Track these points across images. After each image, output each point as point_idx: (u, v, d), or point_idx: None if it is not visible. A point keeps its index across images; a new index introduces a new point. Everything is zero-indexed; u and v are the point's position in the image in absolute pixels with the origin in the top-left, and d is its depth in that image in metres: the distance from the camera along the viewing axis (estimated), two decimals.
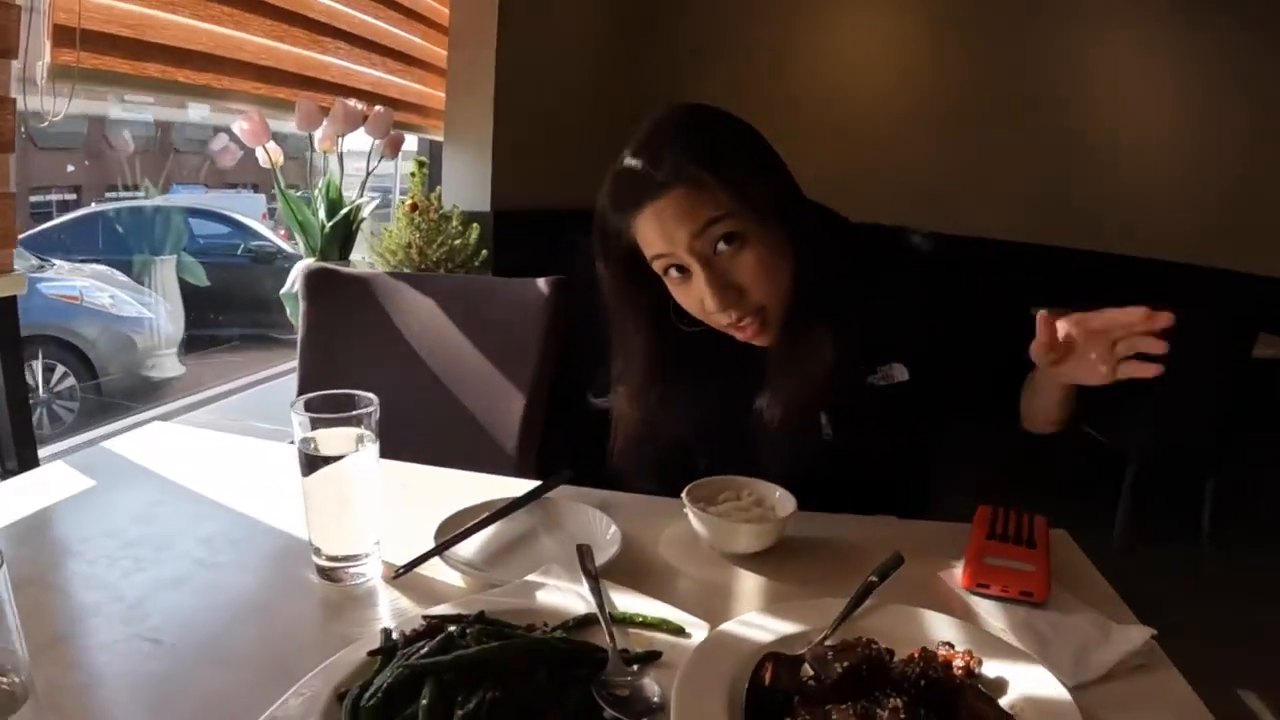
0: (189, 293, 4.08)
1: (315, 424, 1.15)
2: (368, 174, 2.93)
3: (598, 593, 1.05)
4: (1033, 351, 1.31)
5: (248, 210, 6.23)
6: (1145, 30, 5.66)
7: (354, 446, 1.16)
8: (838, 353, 1.42)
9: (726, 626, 1.02)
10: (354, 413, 1.17)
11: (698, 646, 0.97)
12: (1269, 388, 4.28)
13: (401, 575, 1.17)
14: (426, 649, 0.90)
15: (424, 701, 0.83)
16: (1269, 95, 5.43)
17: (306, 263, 2.22)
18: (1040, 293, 5.53)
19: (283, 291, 2.62)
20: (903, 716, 0.82)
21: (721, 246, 1.34)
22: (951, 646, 1.00)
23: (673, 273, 1.39)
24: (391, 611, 1.11)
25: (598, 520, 1.33)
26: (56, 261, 4.71)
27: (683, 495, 1.32)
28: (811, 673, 0.91)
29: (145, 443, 1.64)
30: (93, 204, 5.21)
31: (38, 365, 4.24)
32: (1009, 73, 5.78)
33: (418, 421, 1.98)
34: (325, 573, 1.18)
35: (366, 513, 1.19)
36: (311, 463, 1.15)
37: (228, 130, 2.99)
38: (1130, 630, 1.09)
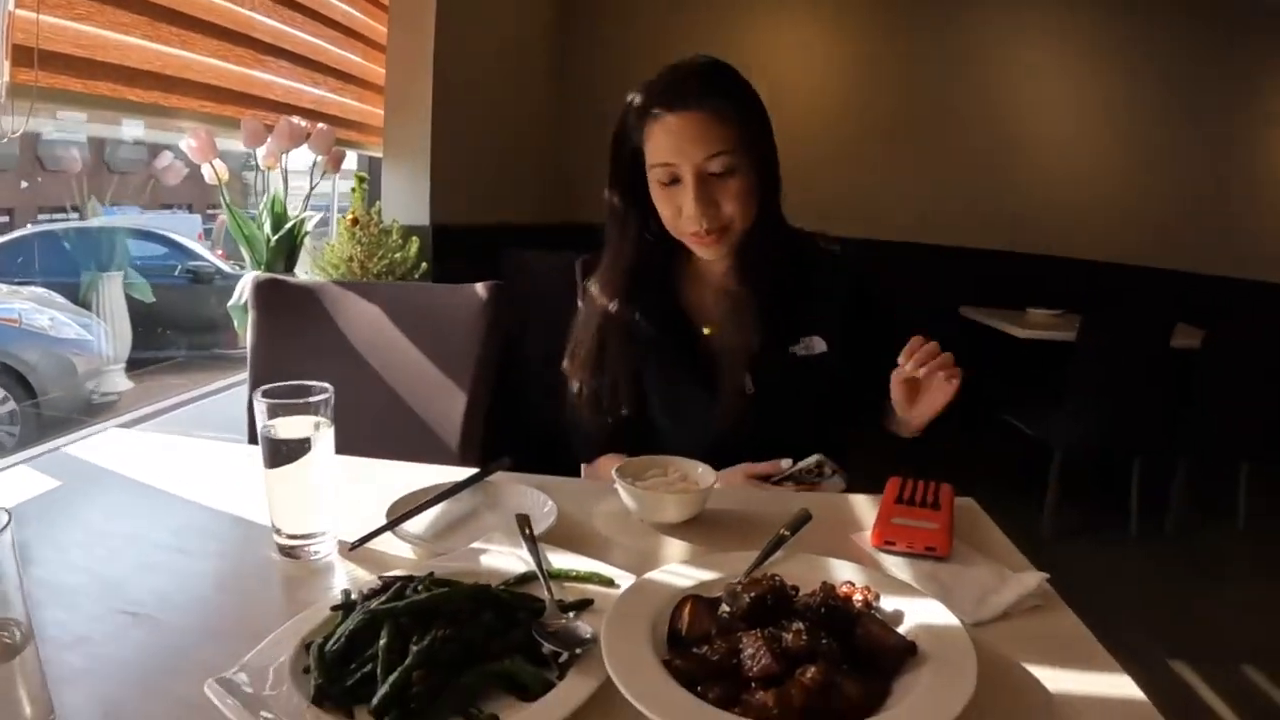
0: (133, 311, 4.07)
1: (275, 411, 1.26)
2: (310, 189, 3.01)
3: (535, 553, 1.16)
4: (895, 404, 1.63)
5: (184, 230, 6.16)
6: (1069, 42, 5.87)
7: (311, 431, 1.26)
8: (771, 298, 1.72)
9: (650, 575, 1.14)
10: (310, 399, 1.27)
11: (624, 591, 1.09)
12: (1189, 375, 4.47)
13: (356, 549, 1.28)
14: (384, 599, 1.01)
15: (383, 641, 0.94)
16: (1186, 100, 5.66)
17: (255, 274, 2.30)
18: (968, 291, 5.76)
19: (230, 304, 2.68)
20: (804, 638, 0.92)
21: (715, 169, 1.60)
22: (853, 584, 1.12)
23: (664, 180, 1.64)
24: (349, 581, 1.21)
25: (535, 497, 1.44)
26: None
27: (613, 473, 1.43)
28: (727, 610, 1.02)
29: (105, 448, 1.71)
30: (28, 225, 5.13)
31: None
32: (936, 82, 5.97)
33: (365, 422, 2.06)
34: (286, 550, 1.27)
35: (323, 493, 1.29)
36: (272, 447, 1.26)
37: (172, 148, 3.04)
38: (1025, 575, 1.22)
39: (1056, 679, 1.02)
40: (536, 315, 3.96)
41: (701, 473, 1.49)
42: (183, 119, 2.64)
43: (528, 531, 1.21)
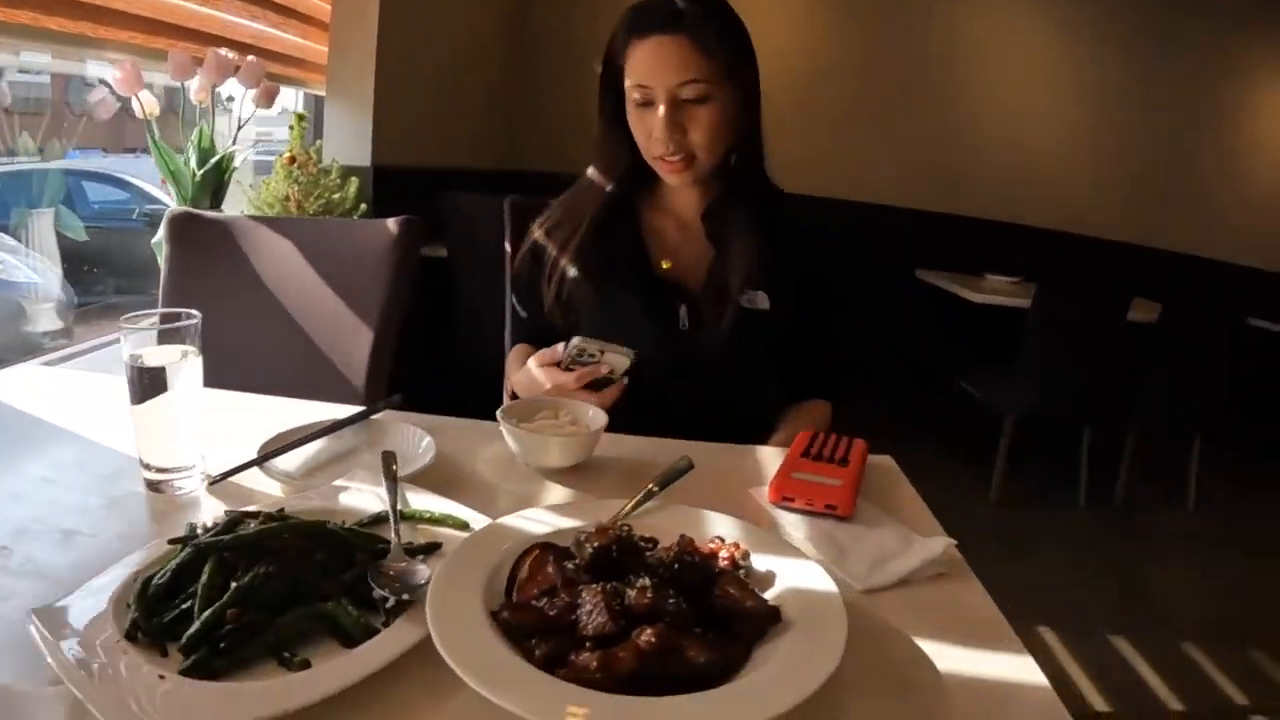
0: (70, 251, 3.96)
1: (140, 339, 1.20)
2: (239, 124, 2.93)
3: (393, 491, 1.10)
4: None
5: (146, 175, 6.05)
6: (1041, 11, 5.86)
7: (177, 359, 1.21)
8: (730, 244, 1.72)
9: (504, 519, 1.07)
10: (176, 325, 1.21)
11: (469, 534, 1.03)
12: (1143, 349, 4.48)
13: (217, 483, 1.22)
14: (214, 532, 0.96)
15: (203, 578, 0.89)
16: (1154, 77, 5.65)
17: (173, 208, 2.23)
18: (926, 255, 5.74)
19: (154, 240, 2.61)
20: (649, 595, 0.86)
21: (688, 95, 1.59)
22: (722, 540, 1.05)
23: (639, 101, 1.62)
24: (211, 516, 1.16)
25: (415, 436, 1.39)
26: None
27: (498, 414, 1.38)
28: (573, 560, 0.96)
29: (5, 383, 1.64)
30: None
31: None
32: (903, 44, 5.93)
33: (272, 360, 2.02)
34: (153, 485, 1.22)
35: (189, 426, 1.24)
36: (138, 376, 1.20)
37: (106, 82, 2.96)
38: (931, 540, 1.15)
39: (949, 656, 0.95)
40: (471, 258, 3.95)
41: (592, 415, 1.44)
42: (111, 50, 2.56)
43: (393, 469, 1.16)
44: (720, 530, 1.09)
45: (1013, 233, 5.85)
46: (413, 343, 2.33)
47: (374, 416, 1.46)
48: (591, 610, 0.85)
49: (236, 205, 3.01)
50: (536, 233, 1.82)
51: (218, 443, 1.31)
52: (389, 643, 0.85)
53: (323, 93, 3.86)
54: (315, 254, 2.06)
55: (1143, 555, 4.18)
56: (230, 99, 3.04)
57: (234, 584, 0.88)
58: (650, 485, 1.19)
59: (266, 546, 0.93)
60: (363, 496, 1.14)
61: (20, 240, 3.81)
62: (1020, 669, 0.95)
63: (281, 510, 1.05)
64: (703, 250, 1.76)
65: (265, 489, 1.24)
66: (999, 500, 4.47)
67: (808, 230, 1.83)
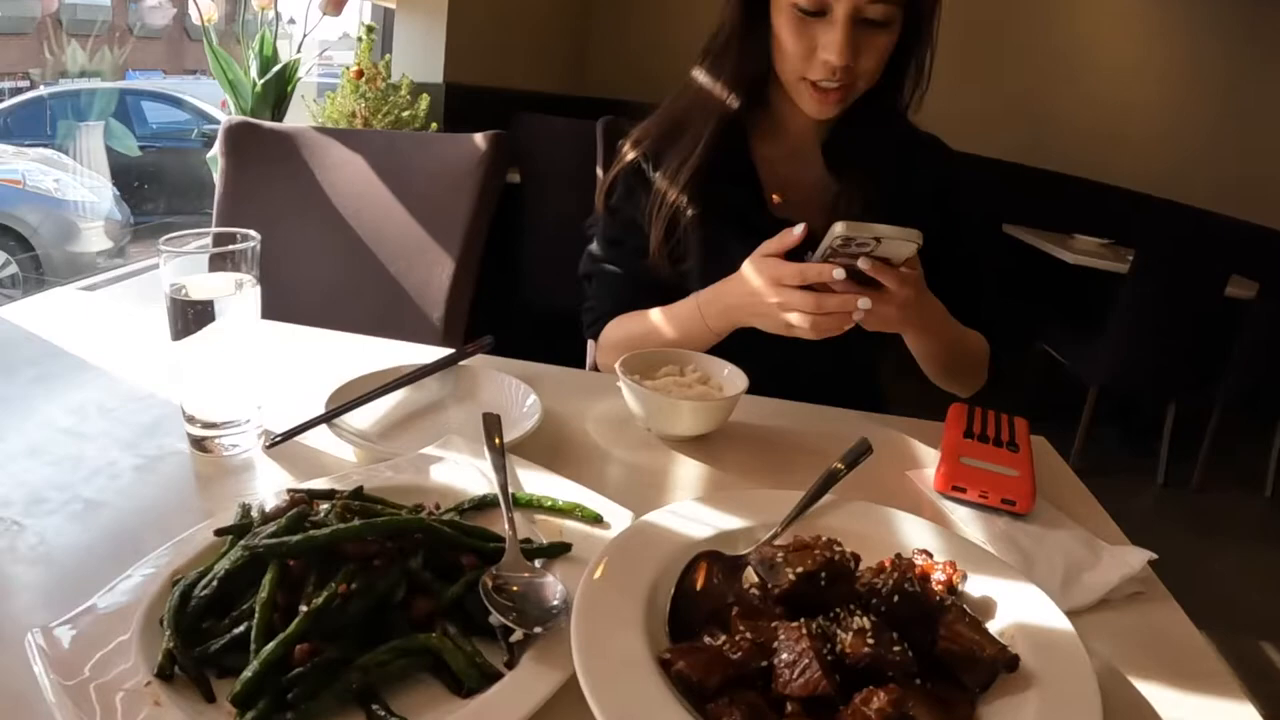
0: (124, 169, 3.79)
1: (185, 265, 0.95)
2: (305, 33, 2.69)
3: (502, 469, 0.86)
4: None
5: (205, 96, 5.91)
6: None
7: (230, 290, 0.96)
8: (854, 176, 1.42)
9: (653, 516, 0.83)
10: (230, 249, 0.96)
11: (614, 539, 0.78)
12: (1237, 326, 4.14)
13: (279, 444, 0.98)
14: (274, 528, 0.71)
15: (262, 594, 0.65)
16: (1266, 38, 5.27)
17: (229, 118, 1.98)
18: (1013, 210, 5.40)
19: (209, 154, 2.39)
20: (870, 641, 0.65)
21: (873, 15, 1.28)
22: (930, 556, 0.82)
23: (806, 8, 1.29)
24: (269, 486, 0.93)
25: (515, 390, 1.14)
26: None
27: (617, 367, 1.13)
28: (756, 579, 0.74)
29: (37, 310, 1.41)
30: (41, 88, 4.88)
31: None
32: None
33: (338, 288, 1.79)
34: (197, 442, 0.98)
35: (244, 372, 0.99)
36: (181, 312, 0.95)
37: None
38: (1126, 552, 0.93)
39: (1165, 699, 0.74)
40: (544, 187, 3.70)
41: (728, 375, 1.19)
42: None
43: (497, 440, 0.92)
44: (919, 539, 0.86)
45: (1103, 193, 5.47)
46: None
47: (463, 362, 1.21)
48: (796, 661, 0.63)
49: (299, 122, 2.77)
50: (629, 151, 1.50)
51: (276, 389, 1.08)
52: (517, 692, 0.62)
53: (392, 5, 3.59)
54: (390, 171, 1.81)
55: (1213, 543, 3.86)
56: (291, 21, 2.79)
57: (303, 607, 0.64)
58: (836, 464, 0.95)
59: (345, 551, 0.69)
60: (461, 471, 0.89)
61: (69, 155, 3.64)
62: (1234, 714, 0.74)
63: (359, 490, 0.81)
64: (819, 182, 1.47)
65: (335, 451, 1.00)
66: (1076, 470, 4.17)
67: (941, 145, 1.57)
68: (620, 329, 1.47)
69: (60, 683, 0.58)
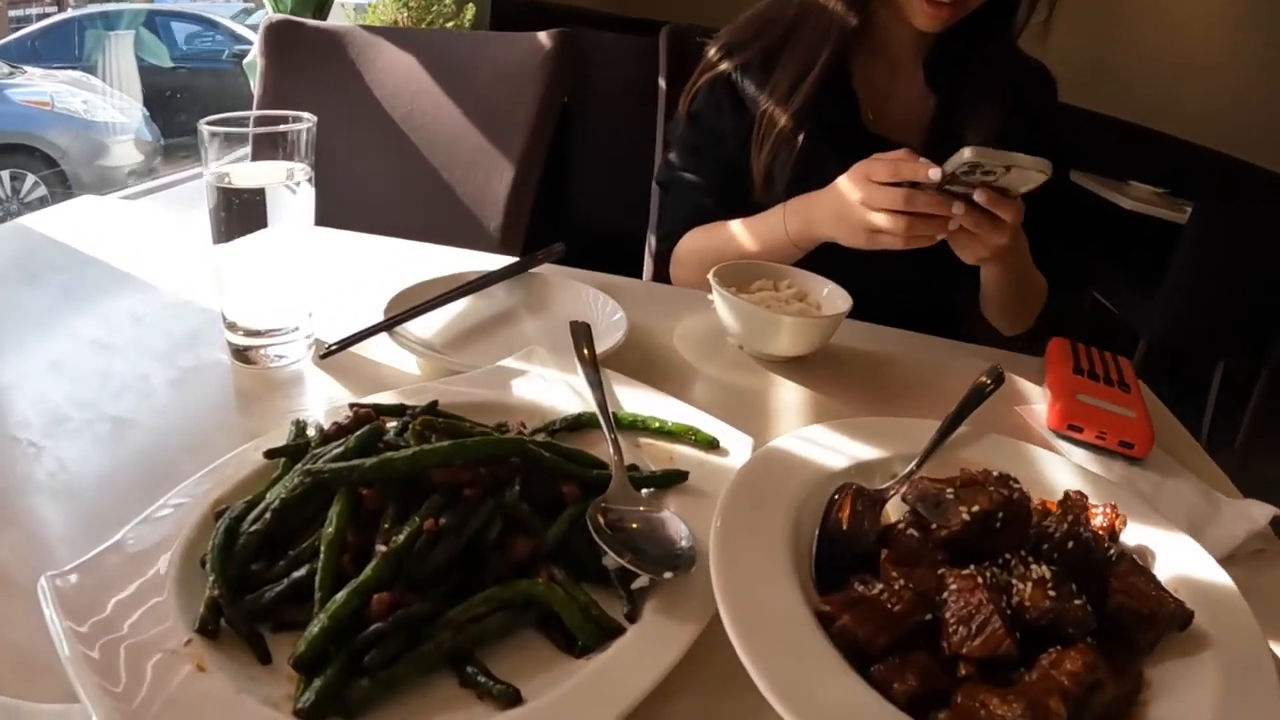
0: (155, 87, 3.68)
1: (226, 148, 0.82)
2: None
3: (598, 385, 0.73)
4: None
5: (236, 16, 5.82)
6: None
7: (282, 180, 0.83)
8: (953, 97, 1.33)
9: (781, 443, 0.70)
10: (281, 129, 0.82)
11: (742, 468, 0.65)
12: None
13: (333, 354, 0.86)
14: (341, 449, 0.58)
15: (328, 529, 0.52)
16: None
17: (269, 15, 1.83)
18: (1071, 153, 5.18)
19: (246, 60, 2.25)
20: (1051, 593, 0.55)
21: None
22: (1086, 499, 0.69)
23: None
24: (322, 402, 0.81)
25: (597, 301, 1.01)
26: (28, 69, 4.35)
27: (709, 275, 0.99)
28: (904, 518, 0.63)
29: (68, 217, 1.27)
30: (70, 8, 4.78)
31: (5, 176, 3.90)
32: None
33: (388, 197, 1.67)
34: (239, 352, 0.86)
35: (295, 273, 0.86)
36: (224, 203, 0.82)
37: None
38: (1249, 505, 0.84)
39: None
40: (596, 104, 3.53)
41: (828, 294, 1.05)
42: None
43: (586, 351, 0.78)
44: (1068, 480, 0.73)
45: (1161, 142, 5.23)
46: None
47: (532, 270, 1.07)
48: (971, 616, 0.54)
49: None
50: (720, 60, 1.36)
51: (328, 296, 0.95)
52: (646, 651, 0.51)
53: None
54: (446, 73, 1.66)
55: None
56: None
57: (380, 546, 0.51)
58: (983, 379, 0.85)
59: (430, 479, 0.56)
60: (549, 387, 0.76)
61: (99, 65, 3.54)
62: None
63: (434, 404, 0.68)
64: (919, 102, 1.35)
65: (396, 364, 0.88)
66: None
67: (1042, 79, 1.45)
68: (699, 239, 1.34)
69: (78, 639, 0.46)
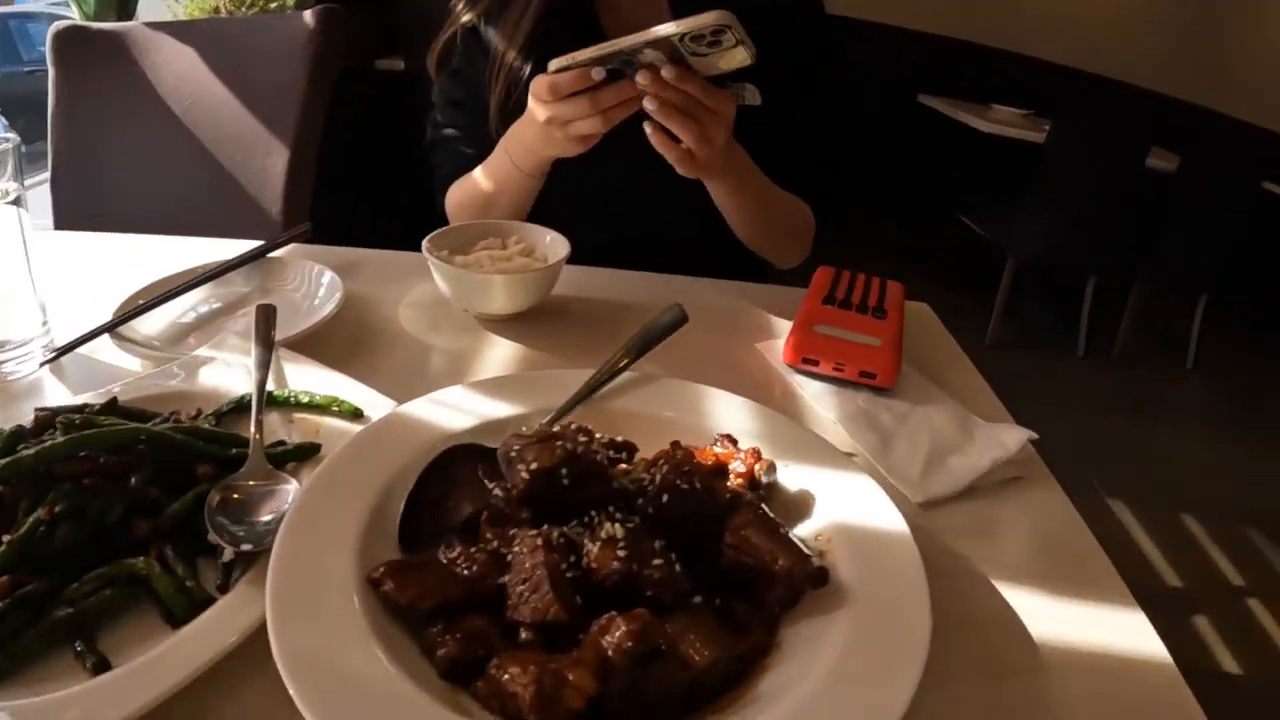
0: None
1: None
2: None
3: (264, 365, 0.79)
4: None
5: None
6: None
7: None
8: None
9: (409, 407, 0.75)
10: None
11: (355, 435, 0.70)
12: (1158, 199, 4.09)
13: (53, 361, 0.91)
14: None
15: None
16: None
17: (57, 24, 1.84)
18: (928, 79, 5.26)
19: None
20: (621, 553, 0.55)
21: None
22: (734, 443, 0.72)
23: None
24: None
25: (323, 278, 1.07)
26: None
27: (424, 243, 1.04)
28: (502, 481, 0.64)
29: None
30: None
31: None
32: None
33: (182, 190, 1.70)
34: None
35: (13, 289, 0.92)
36: None
37: None
38: (1002, 430, 0.84)
39: (1040, 609, 0.66)
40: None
41: (550, 242, 1.11)
42: None
43: (266, 332, 0.85)
44: (731, 422, 0.76)
45: (1023, 64, 5.30)
46: (361, 174, 1.97)
47: (273, 254, 1.14)
48: (528, 579, 0.54)
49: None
50: (463, 11, 1.36)
51: (69, 305, 1.00)
52: (221, 621, 0.56)
53: None
54: (221, 60, 1.69)
55: (1136, 416, 3.85)
56: None
57: (5, 537, 0.59)
58: (637, 336, 0.87)
59: (58, 471, 0.63)
60: (231, 372, 0.83)
61: None
62: (1131, 632, 0.65)
63: (113, 401, 0.75)
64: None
65: (126, 364, 0.93)
66: (994, 344, 4.17)
67: (806, 8, 1.42)
68: (456, 192, 1.37)
69: None
